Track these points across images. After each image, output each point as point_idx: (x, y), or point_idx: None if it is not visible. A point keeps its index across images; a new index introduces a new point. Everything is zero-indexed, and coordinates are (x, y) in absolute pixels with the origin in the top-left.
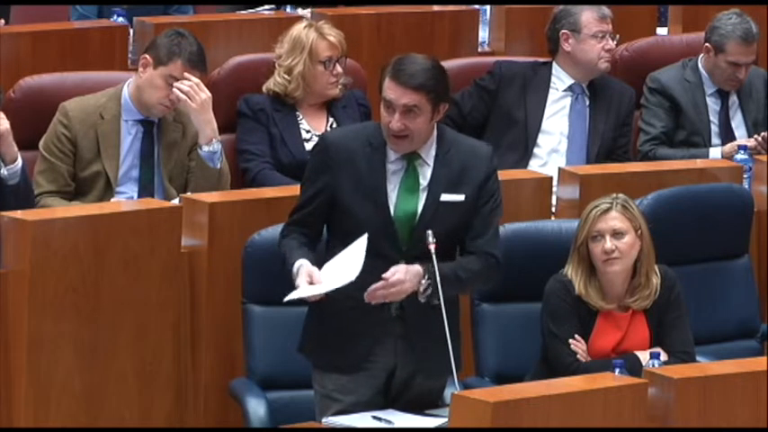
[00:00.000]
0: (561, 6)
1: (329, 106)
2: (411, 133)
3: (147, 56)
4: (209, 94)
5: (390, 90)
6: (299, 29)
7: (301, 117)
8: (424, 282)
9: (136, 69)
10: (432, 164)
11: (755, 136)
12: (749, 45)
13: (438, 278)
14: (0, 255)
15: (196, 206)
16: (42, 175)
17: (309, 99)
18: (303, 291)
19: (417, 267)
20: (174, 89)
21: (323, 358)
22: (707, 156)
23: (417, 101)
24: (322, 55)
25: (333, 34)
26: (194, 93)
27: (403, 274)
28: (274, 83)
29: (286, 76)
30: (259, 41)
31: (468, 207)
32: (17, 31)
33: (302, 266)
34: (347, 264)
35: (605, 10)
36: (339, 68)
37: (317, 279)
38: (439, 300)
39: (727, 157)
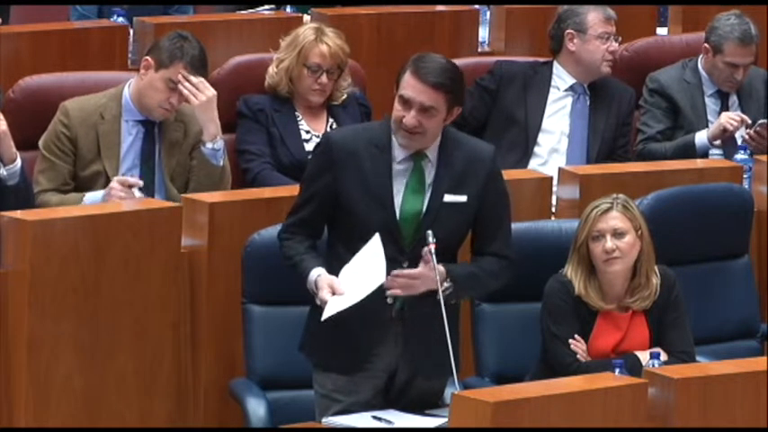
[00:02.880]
0: (566, 6)
1: (329, 106)
2: (424, 131)
3: (149, 58)
4: (215, 92)
5: (410, 87)
6: (303, 29)
7: (301, 117)
8: (447, 283)
9: (136, 69)
10: (435, 164)
11: (748, 131)
12: (747, 47)
13: (438, 278)
14: (0, 255)
15: (196, 206)
16: (43, 175)
17: (299, 99)
18: (333, 306)
19: (441, 268)
20: (180, 87)
21: (323, 358)
22: (693, 140)
23: (435, 100)
24: (310, 60)
25: (330, 44)
26: (198, 90)
27: (427, 270)
28: (269, 75)
29: (275, 69)
30: (259, 41)
31: (470, 208)
32: (17, 31)
33: (320, 278)
34: (367, 267)
35: (610, 11)
36: (324, 79)
37: (339, 289)
38: (457, 299)
39: (714, 139)
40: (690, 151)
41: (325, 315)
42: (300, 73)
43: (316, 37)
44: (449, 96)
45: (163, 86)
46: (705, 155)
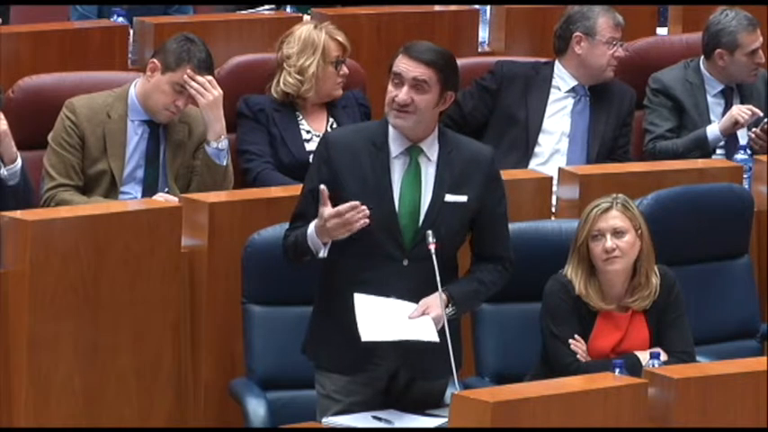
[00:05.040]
0: (576, 8)
1: (329, 106)
2: (415, 109)
3: (156, 60)
4: (221, 92)
5: (402, 63)
6: (308, 29)
7: (301, 117)
8: (448, 309)
9: (136, 69)
10: (435, 163)
11: (754, 129)
12: (756, 29)
13: (438, 276)
14: (0, 255)
15: (196, 206)
16: (54, 169)
17: (314, 99)
18: (373, 333)
19: (443, 296)
20: (187, 87)
21: (324, 359)
22: (705, 134)
23: (427, 76)
24: (332, 55)
25: (340, 35)
26: (206, 89)
27: (436, 312)
28: (285, 83)
29: (299, 77)
30: (259, 41)
31: (469, 209)
32: (17, 31)
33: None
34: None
35: (619, 17)
36: (345, 69)
37: (343, 209)
38: (457, 316)
39: (726, 132)
40: (702, 145)
41: (364, 335)
42: (326, 72)
43: (327, 33)
44: (441, 75)
45: (169, 89)
46: (716, 148)
